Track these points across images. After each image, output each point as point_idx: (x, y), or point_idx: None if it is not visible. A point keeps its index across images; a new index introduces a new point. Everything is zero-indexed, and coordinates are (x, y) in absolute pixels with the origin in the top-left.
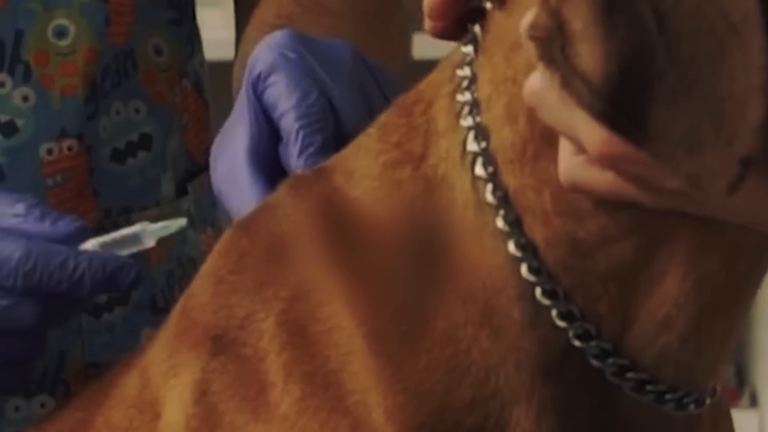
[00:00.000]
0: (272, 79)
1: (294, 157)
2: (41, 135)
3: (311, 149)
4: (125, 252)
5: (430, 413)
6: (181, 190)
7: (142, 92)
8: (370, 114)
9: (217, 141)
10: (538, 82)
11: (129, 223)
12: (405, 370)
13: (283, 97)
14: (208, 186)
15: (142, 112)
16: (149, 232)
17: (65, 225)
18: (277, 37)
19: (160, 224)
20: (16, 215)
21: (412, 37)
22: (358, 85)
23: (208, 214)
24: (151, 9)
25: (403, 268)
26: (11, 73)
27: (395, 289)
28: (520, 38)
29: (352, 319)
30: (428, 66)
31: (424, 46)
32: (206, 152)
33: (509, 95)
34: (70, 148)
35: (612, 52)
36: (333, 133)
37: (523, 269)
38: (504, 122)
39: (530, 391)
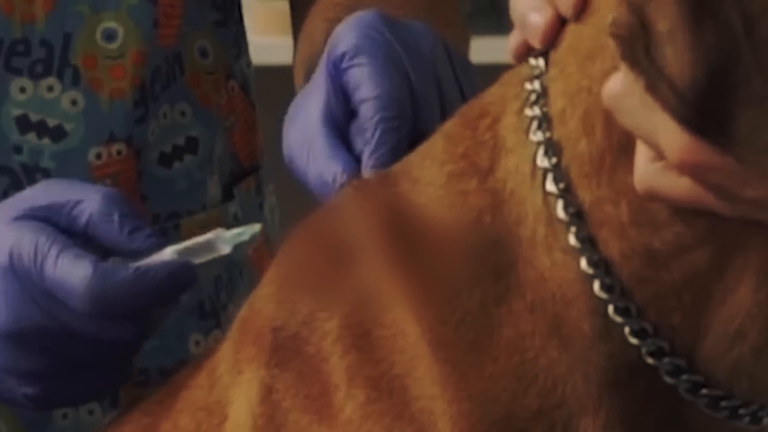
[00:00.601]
0: (357, 60)
1: (367, 153)
2: (90, 139)
3: (384, 148)
4: (200, 260)
5: (496, 421)
6: (227, 194)
7: (188, 95)
8: (441, 105)
9: (291, 110)
10: (618, 84)
11: (177, 228)
12: (471, 377)
13: (367, 83)
14: (255, 189)
15: (188, 115)
16: (224, 239)
17: (141, 240)
18: (364, 16)
19: (234, 231)
20: (89, 213)
21: None
22: (435, 75)
23: (255, 219)
24: (197, 10)
25: (469, 277)
26: (60, 77)
27: (461, 297)
28: (597, 47)
29: (417, 325)
30: None
31: None
32: (253, 154)
33: (585, 106)
34: (119, 152)
35: (700, 58)
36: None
37: (596, 286)
38: (580, 135)
39: (597, 403)
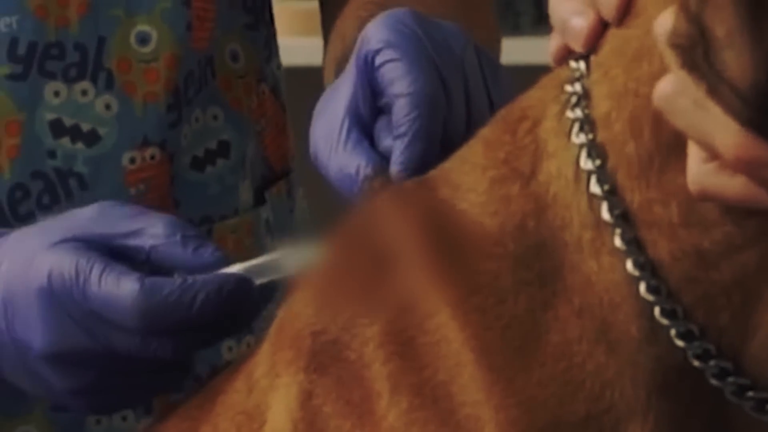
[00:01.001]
0: (391, 54)
1: (399, 149)
2: (124, 143)
3: (417, 145)
4: (263, 279)
5: (544, 427)
6: (259, 199)
7: (220, 99)
8: (467, 106)
9: (319, 105)
10: (669, 86)
11: (210, 233)
12: (518, 383)
13: (402, 79)
14: (286, 193)
15: (220, 119)
16: (290, 259)
17: (208, 255)
18: (395, 13)
19: (299, 249)
20: (153, 236)
21: None
22: (463, 75)
23: (286, 224)
24: (228, 14)
25: (514, 283)
26: (94, 80)
27: (506, 304)
28: (643, 50)
29: (461, 332)
30: None
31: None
32: (284, 158)
33: (632, 108)
34: (152, 157)
35: (760, 60)
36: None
37: (642, 288)
38: (627, 137)
39: (645, 406)
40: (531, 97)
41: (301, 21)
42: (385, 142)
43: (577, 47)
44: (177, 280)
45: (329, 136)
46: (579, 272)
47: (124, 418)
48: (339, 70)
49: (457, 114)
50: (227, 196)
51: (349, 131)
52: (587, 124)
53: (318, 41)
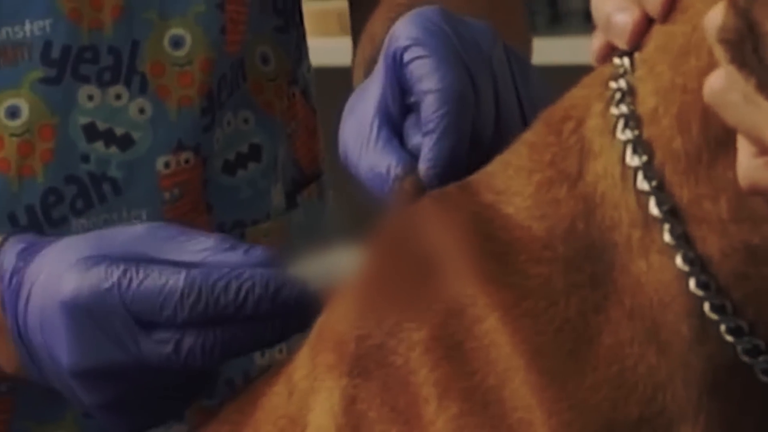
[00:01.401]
0: (419, 52)
1: (427, 146)
2: (158, 148)
3: (446, 142)
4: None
5: (596, 431)
6: (290, 203)
7: (251, 102)
8: (496, 104)
9: (348, 104)
10: (719, 81)
11: (242, 237)
12: (570, 387)
13: (431, 75)
14: (318, 196)
15: (251, 123)
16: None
17: (259, 254)
18: (423, 12)
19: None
20: (204, 249)
21: None
22: (491, 74)
23: (318, 227)
24: (259, 16)
25: (565, 286)
26: (127, 84)
27: (557, 307)
28: (690, 45)
29: (512, 336)
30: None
31: None
32: (315, 161)
33: (680, 104)
34: (186, 161)
35: None
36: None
37: (692, 284)
38: (675, 133)
39: (697, 407)
40: (574, 97)
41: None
42: (414, 139)
43: (621, 44)
44: (224, 269)
45: (359, 136)
46: (629, 273)
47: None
48: (368, 71)
49: (486, 111)
50: (259, 200)
51: (379, 130)
52: (632, 120)
53: (345, 41)
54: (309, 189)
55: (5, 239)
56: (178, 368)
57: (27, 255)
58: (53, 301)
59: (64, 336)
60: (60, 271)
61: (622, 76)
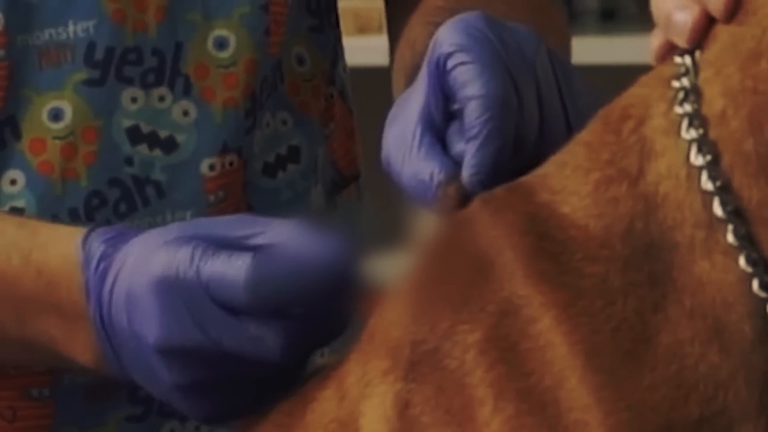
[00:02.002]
0: (462, 58)
1: (471, 152)
2: (202, 150)
3: (489, 148)
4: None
5: (656, 431)
6: (330, 204)
7: (288, 103)
8: (540, 110)
9: (392, 112)
10: None
11: None
12: (628, 387)
13: (475, 81)
14: (356, 198)
15: (289, 124)
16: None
17: (337, 245)
18: (466, 17)
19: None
20: (280, 233)
21: None
22: (535, 79)
23: (357, 228)
24: (295, 17)
25: (622, 285)
26: (171, 86)
27: (615, 306)
28: (761, 48)
29: (568, 336)
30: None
31: None
32: (353, 162)
33: (750, 105)
34: (231, 163)
35: None
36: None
37: (755, 285)
38: (745, 134)
39: (758, 408)
40: (632, 96)
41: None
42: (458, 146)
43: (682, 42)
44: (292, 253)
45: (402, 143)
46: (690, 273)
47: (197, 428)
48: (410, 78)
49: (530, 117)
50: (299, 201)
51: (422, 137)
52: (697, 119)
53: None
54: (348, 190)
55: (92, 229)
56: (255, 358)
57: (116, 242)
58: (143, 279)
59: (153, 313)
60: (150, 251)
61: (684, 75)
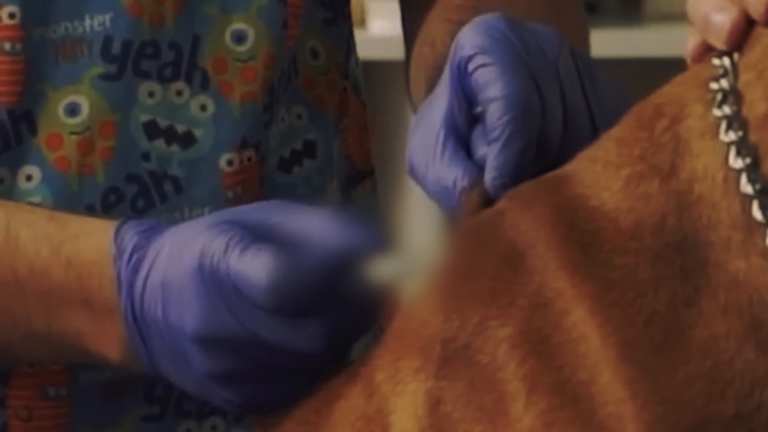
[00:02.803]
0: (483, 60)
1: (493, 154)
2: (221, 145)
3: (512, 150)
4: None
5: (692, 426)
6: (345, 199)
7: (303, 97)
8: (564, 111)
9: (416, 117)
10: None
11: None
12: (662, 381)
13: (496, 82)
14: (372, 193)
15: (304, 118)
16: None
17: (371, 237)
18: (487, 19)
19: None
20: (314, 222)
21: None
22: (558, 79)
23: (372, 223)
24: (310, 9)
25: (653, 278)
26: (188, 80)
27: (646, 298)
28: None
29: (601, 328)
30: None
31: None
32: (367, 157)
33: None
34: (249, 159)
35: None
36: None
37: None
38: None
39: None
40: (666, 94)
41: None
42: (482, 150)
43: (720, 44)
44: (315, 251)
45: (426, 149)
46: (725, 270)
47: (213, 428)
48: (431, 77)
49: (553, 118)
50: (316, 197)
51: (445, 142)
52: (736, 121)
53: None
54: (363, 185)
55: (124, 221)
56: (295, 350)
57: (149, 234)
58: (180, 267)
59: (190, 301)
60: (187, 240)
61: (723, 77)
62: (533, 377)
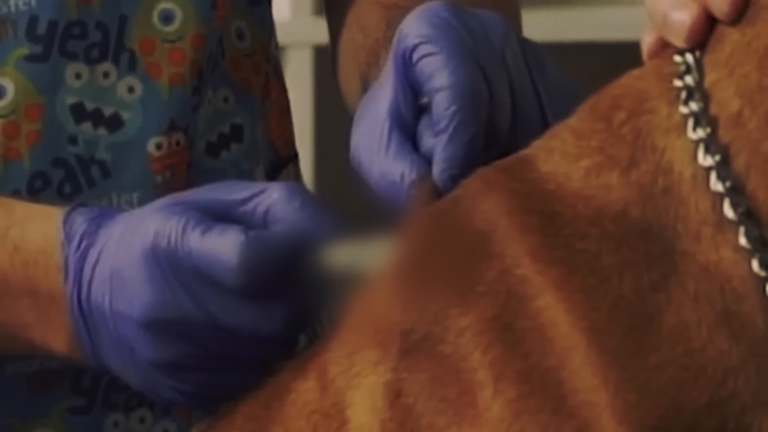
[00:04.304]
0: (429, 49)
1: (440, 146)
2: (149, 128)
3: (459, 141)
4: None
5: (665, 414)
6: None
7: (229, 80)
8: (512, 99)
9: (359, 109)
10: None
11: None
12: (633, 367)
13: (441, 72)
14: (295, 178)
15: (230, 101)
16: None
17: (325, 223)
18: (431, 7)
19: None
20: (271, 199)
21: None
22: (505, 67)
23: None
24: None
25: (617, 263)
26: (116, 62)
27: (610, 283)
28: None
29: (569, 314)
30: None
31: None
32: (289, 142)
33: None
34: (178, 143)
35: None
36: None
37: None
38: (763, 135)
39: None
40: (622, 86)
41: None
42: (428, 142)
43: (679, 42)
44: (283, 230)
45: (370, 142)
46: (693, 260)
47: (141, 420)
48: (365, 64)
49: (501, 107)
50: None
51: (390, 134)
52: (704, 118)
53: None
54: (287, 170)
55: (74, 207)
56: (252, 335)
57: (100, 220)
58: (131, 249)
59: (141, 283)
60: (140, 221)
61: (686, 73)
62: (500, 365)
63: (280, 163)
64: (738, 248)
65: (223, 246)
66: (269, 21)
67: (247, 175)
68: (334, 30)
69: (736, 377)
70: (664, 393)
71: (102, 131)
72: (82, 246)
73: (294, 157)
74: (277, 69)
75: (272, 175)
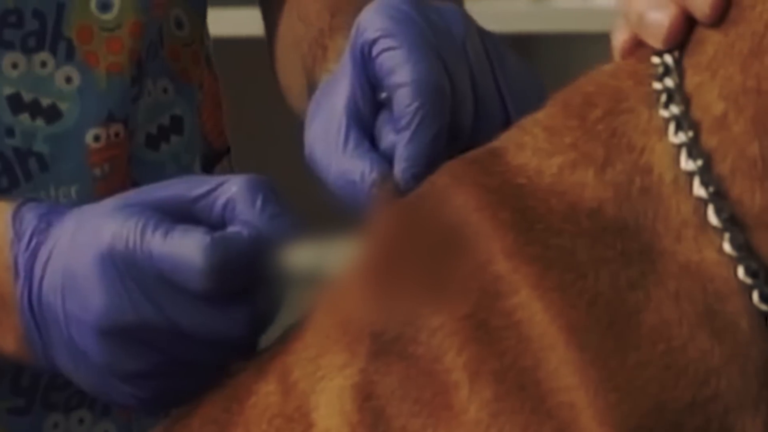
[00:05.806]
0: (388, 43)
1: (402, 143)
2: (87, 120)
3: (422, 139)
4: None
5: (647, 414)
6: None
7: (168, 70)
8: (474, 94)
9: (313, 104)
10: None
11: None
12: (613, 365)
13: (402, 67)
14: (229, 173)
15: (170, 92)
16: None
17: (284, 226)
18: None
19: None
20: (230, 195)
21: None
22: (467, 61)
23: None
24: None
25: (592, 260)
26: (53, 51)
27: (586, 280)
28: (762, 45)
29: (546, 311)
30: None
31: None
32: (223, 135)
33: (755, 107)
34: (117, 134)
35: None
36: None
37: (755, 296)
38: (750, 138)
39: (757, 398)
40: (595, 84)
41: None
42: (388, 139)
43: (656, 44)
44: (247, 232)
45: (327, 139)
46: (673, 259)
47: (81, 421)
48: (309, 56)
49: (464, 102)
50: (184, 176)
51: (348, 132)
52: (686, 122)
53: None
54: (221, 165)
55: (23, 203)
56: (214, 339)
57: (51, 217)
58: (86, 251)
59: (97, 288)
60: (94, 222)
61: (665, 75)
62: (475, 365)
63: (214, 157)
64: (722, 251)
65: (186, 248)
66: (204, 9)
67: (187, 169)
68: (270, 22)
69: (718, 377)
70: (645, 392)
71: (39, 122)
72: (32, 244)
73: (227, 151)
74: (208, 58)
75: (207, 170)
